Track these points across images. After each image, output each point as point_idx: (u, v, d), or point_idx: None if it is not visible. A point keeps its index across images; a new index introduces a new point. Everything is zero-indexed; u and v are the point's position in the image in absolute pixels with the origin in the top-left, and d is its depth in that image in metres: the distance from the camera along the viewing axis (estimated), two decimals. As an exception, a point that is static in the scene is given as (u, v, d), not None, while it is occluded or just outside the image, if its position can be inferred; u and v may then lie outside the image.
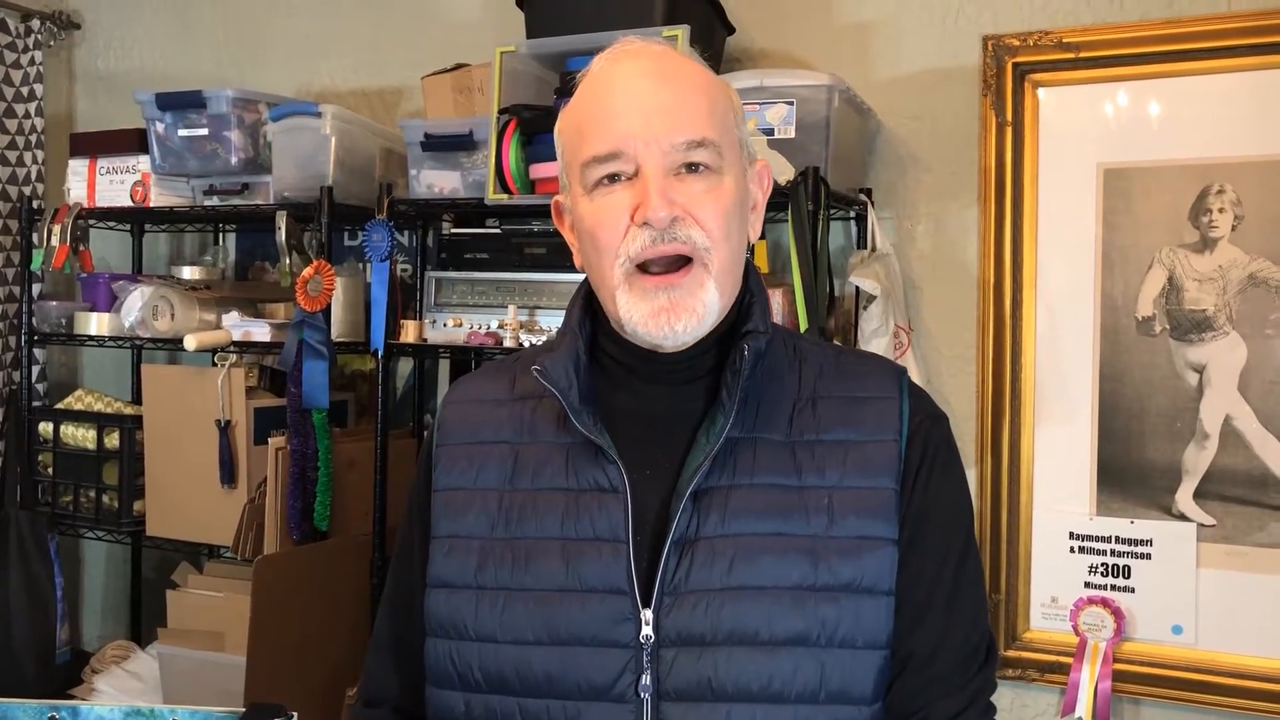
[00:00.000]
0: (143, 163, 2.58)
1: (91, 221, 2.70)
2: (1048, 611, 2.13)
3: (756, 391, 1.07)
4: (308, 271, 2.27)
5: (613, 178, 1.03)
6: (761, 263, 2.10)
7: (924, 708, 1.03)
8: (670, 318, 1.02)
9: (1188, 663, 2.02)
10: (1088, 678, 2.06)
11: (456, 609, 1.06)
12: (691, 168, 1.03)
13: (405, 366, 2.70)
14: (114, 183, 2.63)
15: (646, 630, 1.00)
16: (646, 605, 1.00)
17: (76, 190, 2.69)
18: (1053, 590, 2.12)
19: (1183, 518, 2.03)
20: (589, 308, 1.13)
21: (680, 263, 1.03)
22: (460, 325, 2.28)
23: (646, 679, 0.99)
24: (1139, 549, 2.06)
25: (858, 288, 2.08)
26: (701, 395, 1.08)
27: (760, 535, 1.01)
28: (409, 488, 1.20)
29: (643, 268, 1.03)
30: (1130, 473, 2.07)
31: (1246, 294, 1.99)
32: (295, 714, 0.95)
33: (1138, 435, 2.06)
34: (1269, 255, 1.97)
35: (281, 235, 2.38)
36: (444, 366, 2.69)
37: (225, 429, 2.42)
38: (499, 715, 1.03)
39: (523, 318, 2.20)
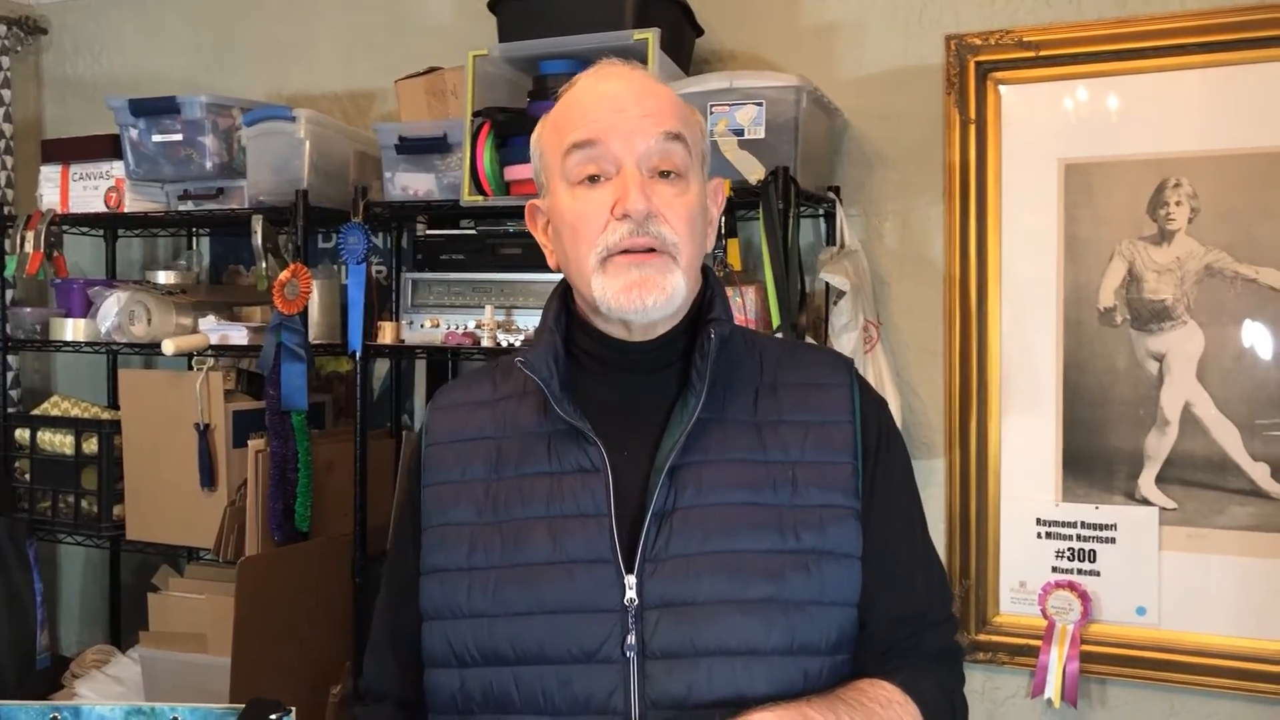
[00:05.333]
0: (116, 168, 2.59)
1: (65, 227, 2.70)
2: (1016, 596, 2.18)
3: (722, 377, 1.15)
4: (284, 275, 2.29)
5: (594, 179, 1.13)
6: (734, 260, 2.14)
7: (911, 640, 1.12)
8: (641, 292, 1.10)
9: (1152, 643, 2.08)
10: (1056, 659, 2.12)
11: (451, 591, 1.13)
12: (664, 174, 1.13)
13: (382, 368, 2.72)
14: (87, 189, 2.64)
15: (631, 595, 1.07)
16: (630, 572, 1.08)
17: (49, 196, 2.69)
18: (1021, 575, 2.18)
19: (1145, 502, 2.09)
20: (564, 307, 1.21)
21: (651, 252, 1.12)
22: (437, 326, 2.31)
23: (632, 639, 1.06)
24: (1104, 534, 2.12)
25: (828, 284, 2.13)
26: (672, 382, 1.16)
27: (733, 505, 1.10)
28: (398, 492, 1.25)
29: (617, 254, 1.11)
30: (1094, 460, 2.13)
31: (1203, 284, 2.05)
32: (293, 709, 0.97)
33: (1101, 423, 2.12)
34: (1224, 246, 2.03)
35: (257, 239, 2.40)
36: (421, 367, 2.71)
37: (204, 432, 2.43)
38: (495, 687, 1.09)
39: (499, 317, 2.23)
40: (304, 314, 2.35)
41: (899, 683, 1.08)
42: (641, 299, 1.10)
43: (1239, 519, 2.03)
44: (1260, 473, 2.02)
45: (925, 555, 1.19)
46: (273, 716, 0.96)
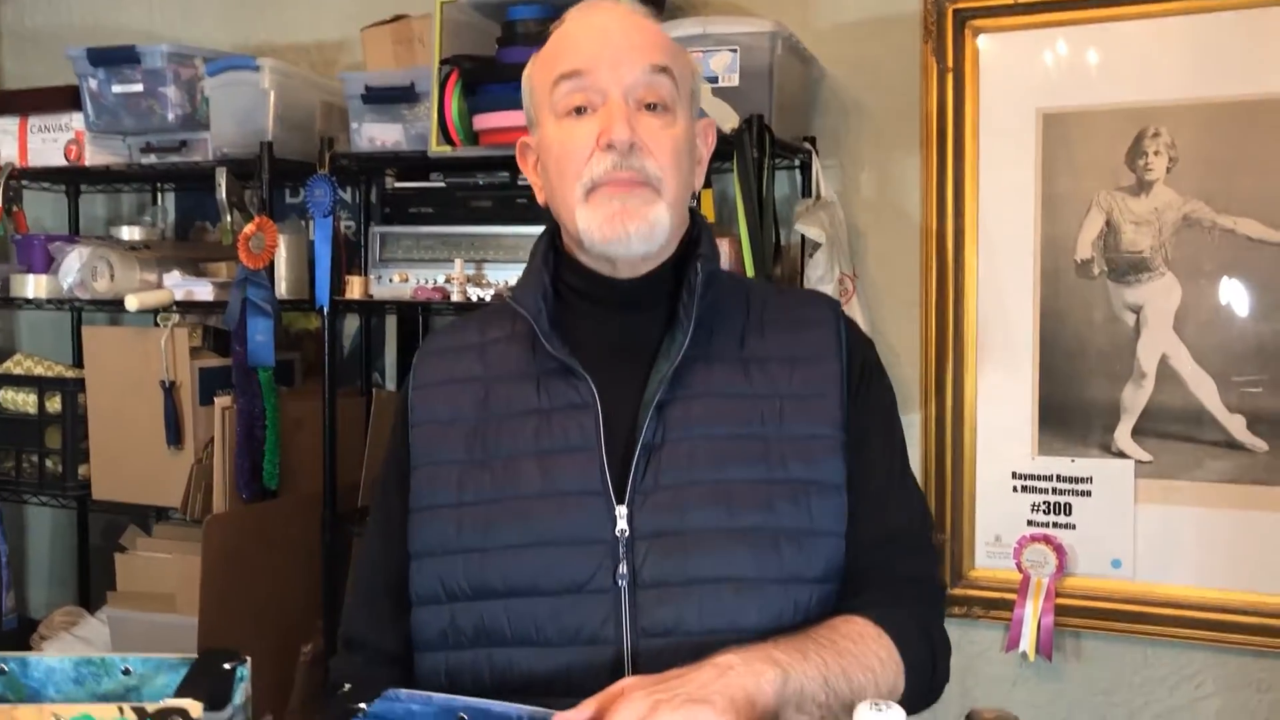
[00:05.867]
0: (76, 121, 2.53)
1: (24, 182, 2.64)
2: (992, 550, 2.17)
3: (709, 316, 1.15)
4: (249, 228, 2.24)
5: (580, 111, 1.13)
6: (708, 212, 2.11)
7: (888, 565, 1.12)
8: (624, 221, 1.10)
9: (1126, 595, 2.08)
10: (1031, 613, 2.12)
11: (441, 527, 1.13)
12: (650, 107, 1.13)
13: (352, 326, 2.68)
14: (46, 141, 2.58)
15: (621, 525, 1.08)
16: (620, 503, 1.08)
17: (7, 150, 2.62)
18: (996, 529, 2.17)
19: (1121, 455, 2.08)
20: (552, 247, 1.21)
21: (635, 184, 1.11)
22: (406, 280, 2.27)
23: (623, 569, 1.07)
24: (1079, 486, 2.11)
25: (803, 236, 2.10)
26: (660, 319, 1.16)
27: (721, 438, 1.11)
28: (389, 435, 1.26)
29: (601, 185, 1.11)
30: (1071, 413, 2.11)
31: (1181, 235, 2.03)
32: (248, 658, 0.94)
33: (1078, 376, 2.11)
34: (1203, 196, 2.01)
35: (222, 192, 2.35)
36: (391, 325, 2.67)
37: (170, 390, 2.39)
38: (485, 620, 1.09)
39: (469, 271, 2.19)
40: (270, 269, 2.31)
41: (873, 617, 1.06)
42: (624, 227, 1.10)
43: (1214, 471, 2.03)
44: (1236, 425, 2.01)
45: (904, 483, 1.19)
46: (227, 665, 0.92)
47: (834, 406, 1.14)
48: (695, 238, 1.19)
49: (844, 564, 1.11)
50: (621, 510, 1.08)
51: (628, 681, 0.91)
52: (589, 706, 0.89)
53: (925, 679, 1.09)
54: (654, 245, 1.13)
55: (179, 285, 2.43)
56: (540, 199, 1.22)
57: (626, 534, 1.07)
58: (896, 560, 1.13)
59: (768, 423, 1.12)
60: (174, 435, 2.40)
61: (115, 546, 2.63)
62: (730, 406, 1.12)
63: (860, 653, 1.01)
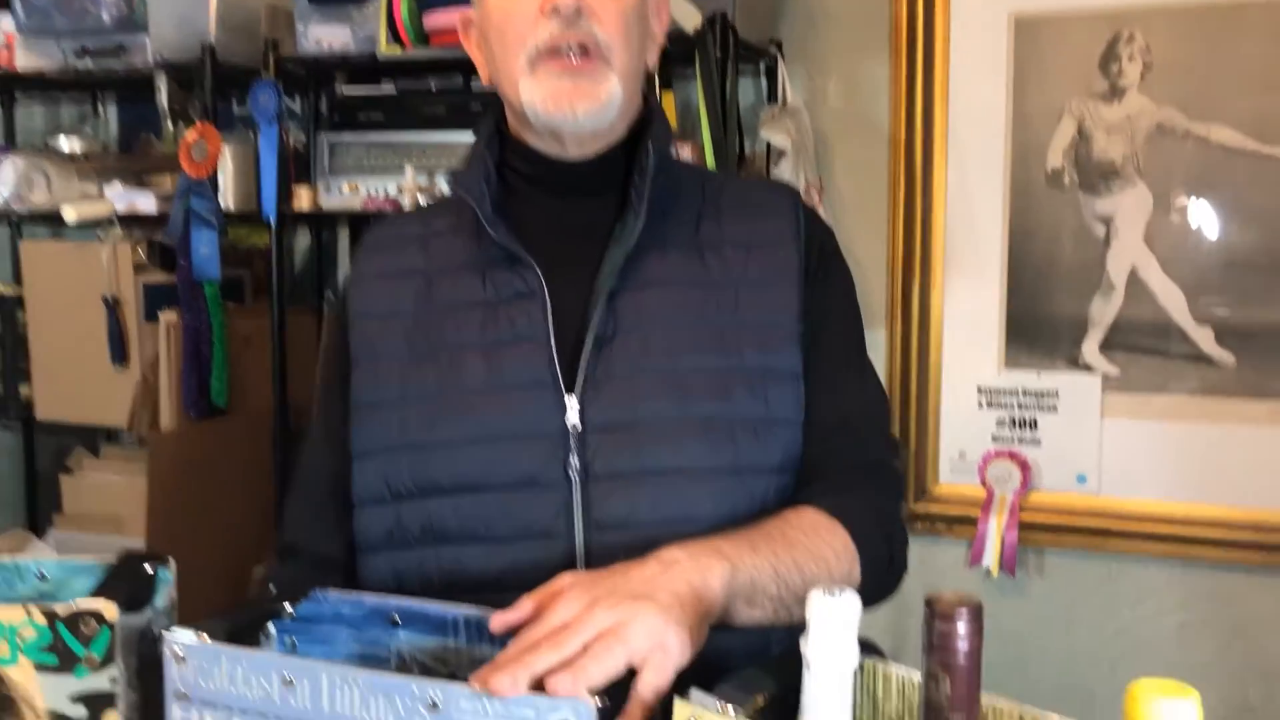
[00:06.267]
0: (5, 22, 2.40)
1: (-45, 89, 2.52)
2: (956, 466, 2.15)
3: (663, 201, 1.10)
4: (191, 135, 2.15)
5: None
6: (670, 118, 2.03)
7: (844, 452, 1.08)
8: (572, 98, 1.04)
9: (1090, 510, 2.06)
10: (995, 529, 2.10)
11: (385, 425, 1.08)
12: None
13: (304, 243, 2.60)
14: (-25, 46, 2.45)
15: (572, 417, 1.03)
16: (570, 394, 1.04)
17: (-65, 55, 2.50)
18: (961, 445, 2.14)
19: (1088, 369, 2.05)
20: (496, 132, 1.15)
21: (583, 56, 1.05)
22: (356, 191, 2.19)
23: (574, 461, 1.03)
24: (1046, 401, 2.08)
25: (768, 144, 2.03)
26: (611, 205, 1.11)
27: (675, 328, 1.07)
28: (327, 332, 1.21)
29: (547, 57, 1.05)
30: (1038, 326, 2.08)
31: (1154, 144, 1.98)
32: (172, 560, 0.89)
33: (1046, 289, 2.06)
34: (1176, 104, 1.96)
35: (163, 98, 2.25)
36: (344, 241, 2.59)
37: (113, 306, 2.31)
38: (433, 519, 1.05)
39: (421, 181, 2.11)
40: (215, 180, 2.22)
41: (826, 507, 1.01)
42: (572, 104, 1.04)
43: (1181, 384, 2.00)
44: (1204, 337, 1.97)
45: (860, 369, 1.15)
46: (148, 567, 0.87)
47: (791, 294, 1.09)
48: (647, 118, 1.13)
49: (813, 438, 1.07)
50: (572, 402, 1.03)
51: (566, 579, 0.86)
52: (526, 605, 0.84)
53: (882, 570, 1.06)
54: (604, 121, 1.07)
55: (120, 197, 2.33)
56: (484, 78, 1.15)
57: (577, 426, 1.03)
58: (851, 447, 1.09)
59: (723, 310, 1.07)
60: (118, 353, 2.33)
61: (62, 469, 2.56)
62: (684, 295, 1.08)
63: (813, 544, 0.97)
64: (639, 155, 1.09)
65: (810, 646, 0.69)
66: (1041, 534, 2.09)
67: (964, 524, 2.13)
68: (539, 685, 0.73)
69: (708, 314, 1.07)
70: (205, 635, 0.79)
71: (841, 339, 1.13)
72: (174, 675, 0.78)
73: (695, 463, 1.03)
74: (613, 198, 1.11)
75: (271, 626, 0.86)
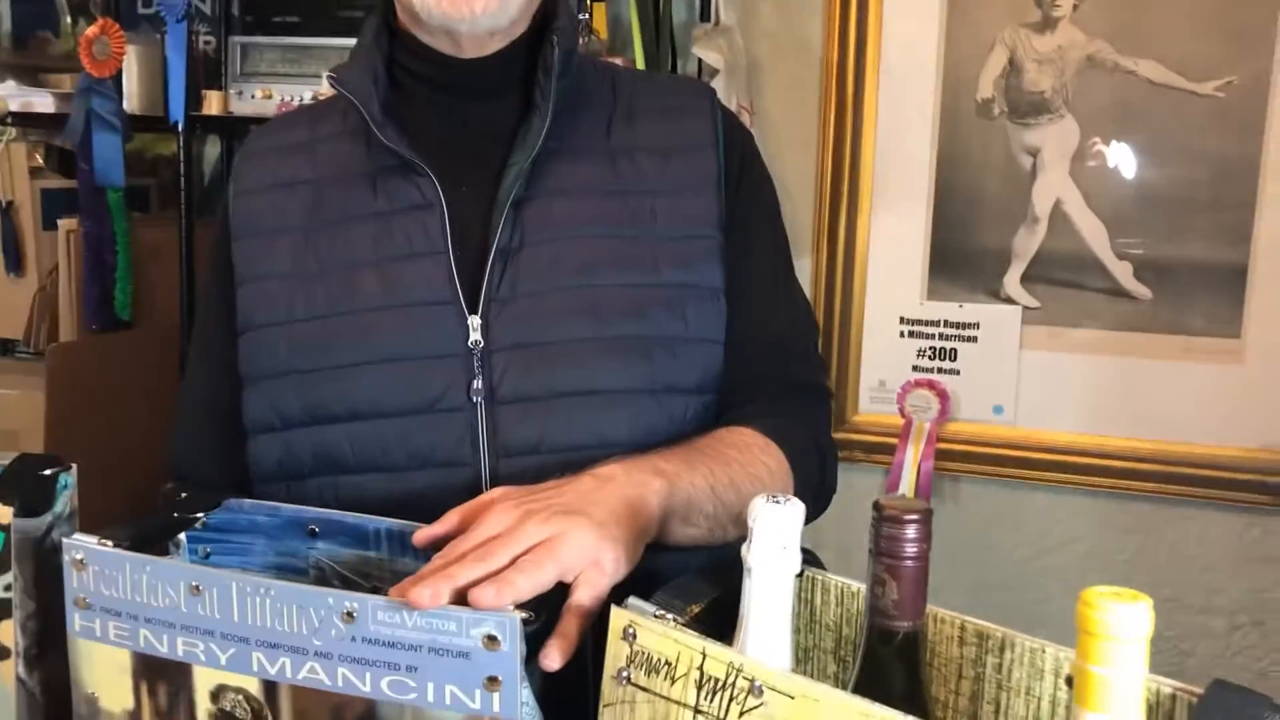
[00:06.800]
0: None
1: None
2: (875, 395, 2.16)
3: (571, 102, 1.03)
4: (92, 30, 2.03)
5: None
6: (600, 28, 1.98)
7: (772, 374, 1.05)
8: (469, 3, 0.95)
9: (1006, 440, 2.09)
10: (912, 458, 2.12)
11: (271, 348, 1.02)
12: None
13: (214, 151, 2.49)
14: None
15: (475, 337, 0.98)
16: (474, 313, 0.98)
17: None
18: (881, 374, 2.15)
19: (1009, 301, 2.07)
20: (385, 26, 1.06)
21: None
22: (270, 97, 2.09)
23: (478, 384, 0.97)
24: (966, 332, 2.10)
25: (700, 62, 1.99)
26: (514, 109, 1.03)
27: (587, 240, 1.01)
28: (209, 248, 1.12)
29: None
30: (962, 257, 2.08)
31: (1084, 76, 1.98)
32: (74, 465, 0.84)
33: (971, 220, 2.07)
34: (1107, 36, 1.96)
35: (61, -9, 2.12)
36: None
37: (7, 211, 2.20)
38: (326, 447, 0.99)
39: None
40: (119, 81, 2.10)
41: (760, 427, 0.99)
42: (470, 4, 0.95)
43: (1099, 318, 2.02)
44: (1123, 271, 2.00)
45: (788, 287, 1.11)
46: (47, 471, 0.82)
47: (711, 204, 1.04)
48: (551, 9, 1.05)
49: (722, 374, 1.04)
50: (475, 321, 0.98)
51: (496, 492, 0.83)
52: (452, 518, 0.81)
53: (814, 488, 1.04)
54: (504, 20, 0.99)
55: (14, 96, 2.20)
56: None
57: (481, 345, 0.97)
58: (782, 368, 1.06)
59: (639, 222, 1.02)
60: (14, 261, 2.22)
61: (-47, 382, 2.45)
62: (596, 206, 1.02)
63: (748, 462, 0.95)
64: (543, 52, 1.01)
65: (753, 553, 0.67)
66: (957, 463, 2.12)
67: (881, 452, 2.15)
68: (463, 600, 0.70)
69: (622, 226, 1.02)
70: (109, 542, 0.74)
71: (769, 255, 1.09)
72: (74, 582, 0.74)
73: (609, 384, 0.98)
74: (515, 99, 1.03)
75: (183, 536, 0.82)
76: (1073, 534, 2.09)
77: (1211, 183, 1.93)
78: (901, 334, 2.13)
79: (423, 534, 0.81)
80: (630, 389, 0.99)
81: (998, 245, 2.06)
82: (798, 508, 0.66)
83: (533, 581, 0.73)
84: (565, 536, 0.76)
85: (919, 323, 2.12)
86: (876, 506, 0.64)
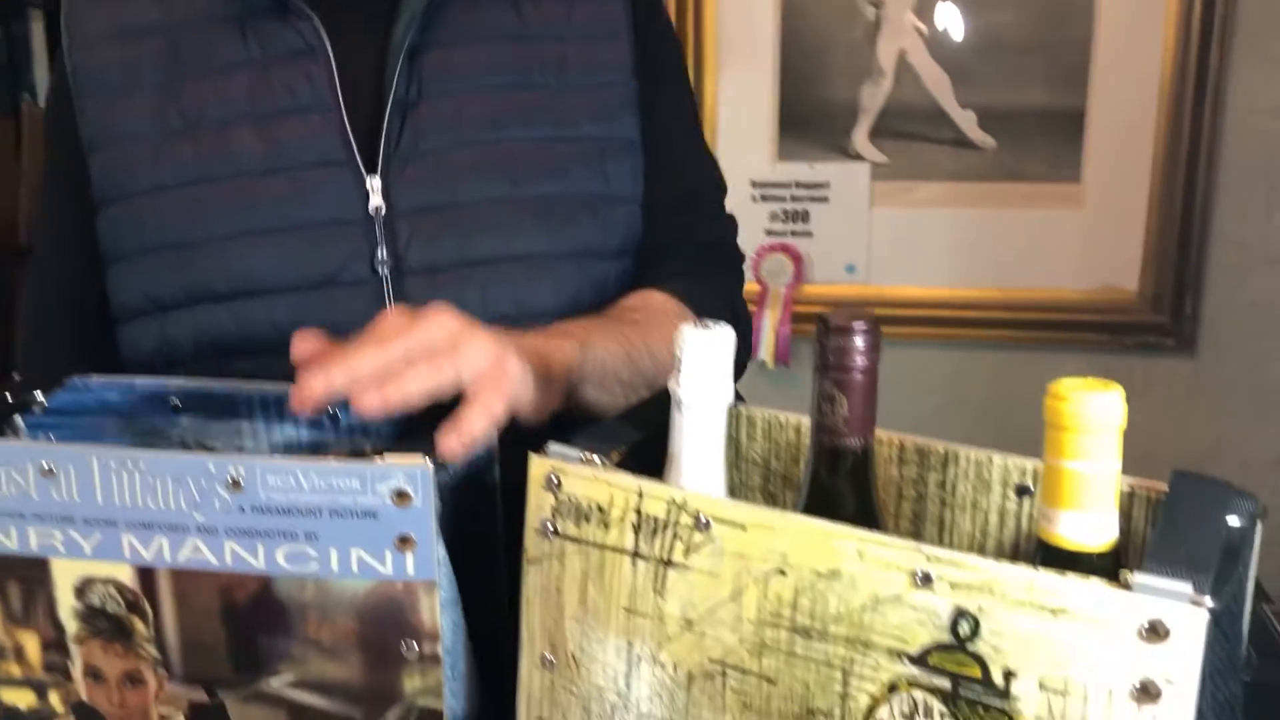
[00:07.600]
0: None
1: None
2: (731, 262, 2.13)
3: None
4: None
5: None
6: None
7: (686, 231, 0.99)
8: None
9: (860, 299, 2.10)
10: (770, 323, 2.11)
11: (136, 222, 0.89)
12: None
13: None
14: None
15: (376, 200, 0.88)
16: (373, 174, 0.89)
17: None
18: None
19: (858, 158, 2.05)
20: None
21: None
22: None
23: (383, 253, 0.88)
24: (817, 193, 2.08)
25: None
26: None
27: (494, 91, 0.92)
28: (45, 114, 0.98)
29: None
30: (812, 116, 2.05)
31: (923, -78, 1.95)
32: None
33: (819, 76, 2.03)
34: (945, -120, 1.93)
35: None
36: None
37: None
38: (209, 331, 0.88)
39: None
40: None
41: (674, 291, 0.94)
42: None
43: (946, 170, 2.03)
44: (968, 121, 2.01)
45: (698, 144, 1.06)
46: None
47: (624, 48, 0.96)
48: None
49: (655, 216, 0.97)
50: (374, 183, 0.88)
51: (387, 312, 0.72)
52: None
53: None
54: None
55: None
56: None
57: (383, 211, 0.88)
58: (694, 226, 1.01)
59: (548, 71, 0.94)
60: None
61: None
62: (502, 53, 0.93)
63: (663, 328, 0.89)
64: None
65: (683, 384, 0.62)
66: (813, 324, 2.11)
67: (739, 319, 2.13)
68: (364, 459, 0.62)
69: (530, 74, 0.93)
70: (-68, 429, 0.63)
71: (679, 107, 1.03)
72: (-106, 477, 0.63)
73: (530, 248, 0.91)
74: None
75: (19, 421, 0.71)
76: (927, 386, 2.13)
77: (1048, 26, 1.94)
78: (754, 198, 2.10)
79: (300, 346, 0.69)
80: (552, 253, 0.91)
81: (845, 100, 2.03)
82: (728, 334, 0.61)
83: (425, 383, 0.65)
84: (468, 339, 0.68)
85: (771, 186, 2.09)
86: (822, 319, 0.60)
